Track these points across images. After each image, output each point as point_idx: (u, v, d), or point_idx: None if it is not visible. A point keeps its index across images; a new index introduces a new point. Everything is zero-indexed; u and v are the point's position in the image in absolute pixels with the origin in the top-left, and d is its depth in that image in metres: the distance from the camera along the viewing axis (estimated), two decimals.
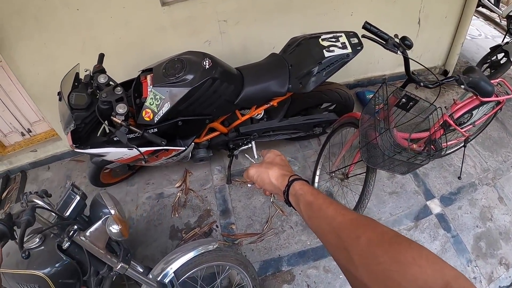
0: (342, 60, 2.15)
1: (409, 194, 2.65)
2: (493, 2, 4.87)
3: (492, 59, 3.62)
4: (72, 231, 1.36)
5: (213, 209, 2.65)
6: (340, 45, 2.17)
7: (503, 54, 3.48)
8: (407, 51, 1.95)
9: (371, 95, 3.19)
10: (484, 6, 4.93)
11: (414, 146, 2.18)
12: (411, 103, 1.92)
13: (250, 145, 2.55)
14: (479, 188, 2.70)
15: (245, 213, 2.60)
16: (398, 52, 1.91)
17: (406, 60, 1.95)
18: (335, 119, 2.53)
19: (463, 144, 2.57)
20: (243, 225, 2.53)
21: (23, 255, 1.09)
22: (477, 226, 2.45)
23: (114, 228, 1.43)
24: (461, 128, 2.37)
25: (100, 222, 1.50)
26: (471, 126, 2.46)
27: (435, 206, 2.58)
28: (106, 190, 2.86)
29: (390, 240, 0.52)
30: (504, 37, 3.93)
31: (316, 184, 2.58)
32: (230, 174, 2.75)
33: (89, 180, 2.66)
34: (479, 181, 2.74)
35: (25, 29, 2.53)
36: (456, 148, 2.71)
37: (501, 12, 4.77)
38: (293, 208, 0.76)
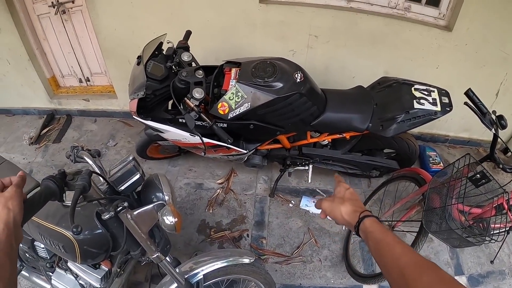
0: (429, 116, 2.07)
1: (440, 264, 2.56)
2: None
3: None
4: (121, 207, 1.29)
5: (249, 217, 2.60)
6: (431, 100, 2.10)
7: None
8: (499, 130, 1.88)
9: (431, 152, 3.15)
10: None
11: (463, 219, 2.10)
12: (484, 180, 1.84)
13: (307, 168, 2.49)
14: (507, 278, 2.59)
15: (279, 231, 2.55)
16: (493, 130, 1.84)
17: (495, 139, 1.88)
18: (396, 168, 2.45)
19: (507, 229, 2.49)
20: (274, 243, 2.48)
21: (74, 229, 0.99)
22: None
23: (169, 220, 1.36)
24: None
25: (151, 206, 1.43)
26: None
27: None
28: (148, 162, 2.84)
29: (449, 284, 0.59)
30: None
31: None
32: (276, 188, 2.70)
33: (135, 149, 2.65)
34: (509, 271, 2.64)
35: None
36: (499, 232, 2.62)
37: None
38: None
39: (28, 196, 0.95)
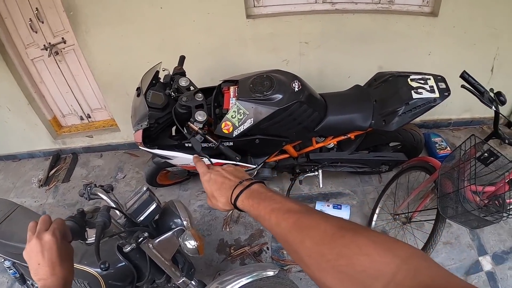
0: (429, 104, 2.09)
1: (462, 247, 2.55)
2: None
3: None
4: (142, 238, 1.31)
5: (266, 230, 2.59)
6: (429, 88, 2.11)
7: None
8: (499, 106, 1.89)
9: (436, 138, 3.16)
10: None
11: (478, 198, 2.10)
12: (492, 158, 1.85)
13: (317, 173, 2.50)
14: None
15: None
16: (493, 107, 1.85)
17: (497, 116, 1.90)
18: (404, 160, 2.47)
19: None
20: None
21: (102, 266, 1.00)
22: None
23: (191, 244, 1.38)
24: None
25: (171, 233, 1.46)
26: None
27: (486, 263, 2.47)
28: (159, 190, 2.86)
29: (333, 236, 0.51)
30: None
31: (373, 223, 2.52)
32: (289, 197, 2.68)
33: (145, 178, 2.66)
34: None
35: (104, 16, 2.57)
36: None
37: None
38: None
39: None
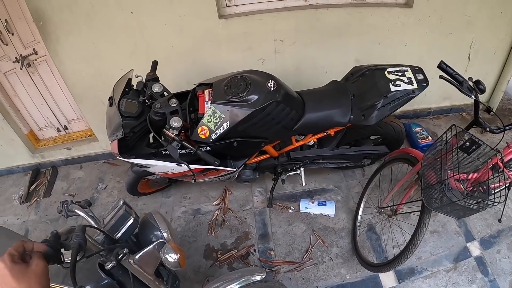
0: (408, 96, 2.08)
1: (450, 234, 2.57)
2: None
3: None
4: (122, 255, 1.27)
5: (252, 232, 2.58)
6: (406, 80, 2.10)
7: None
8: (479, 95, 1.88)
9: (417, 128, 3.17)
10: None
11: (462, 187, 2.11)
12: (474, 146, 1.86)
13: (299, 172, 2.48)
14: None
15: (284, 239, 2.53)
16: (472, 96, 1.84)
17: (477, 104, 1.89)
18: (386, 152, 2.46)
19: (506, 186, 2.50)
20: (282, 252, 2.46)
21: None
22: None
23: (172, 257, 1.36)
24: (509, 171, 2.30)
25: (151, 246, 1.43)
26: None
27: (474, 249, 2.50)
28: (141, 199, 2.82)
29: None
30: None
31: (359, 217, 2.51)
32: (272, 198, 2.69)
33: (126, 188, 2.62)
34: None
35: (75, 25, 2.50)
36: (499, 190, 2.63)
37: None
38: None
39: None
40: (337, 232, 2.57)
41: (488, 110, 3.62)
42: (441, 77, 1.83)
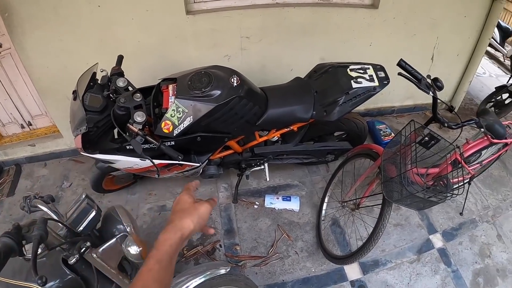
0: (369, 93, 2.13)
1: (413, 227, 2.65)
2: (498, 42, 4.99)
3: (497, 98, 3.69)
4: (84, 248, 1.27)
5: (217, 227, 2.59)
6: (368, 78, 2.16)
7: (507, 94, 3.56)
8: (437, 92, 1.95)
9: (381, 125, 3.25)
10: (489, 45, 5.04)
11: (422, 181, 2.18)
12: (433, 141, 1.92)
13: (263, 167, 2.50)
14: (479, 225, 2.72)
15: (250, 234, 2.55)
16: (430, 93, 1.91)
17: (435, 101, 1.95)
18: (349, 148, 2.51)
19: (467, 181, 2.60)
20: (248, 247, 2.48)
21: (39, 281, 0.96)
22: (476, 262, 2.46)
23: (134, 250, 1.36)
24: (469, 167, 2.40)
25: (114, 240, 1.43)
26: (478, 165, 2.49)
27: (437, 241, 2.58)
28: (107, 196, 2.78)
29: None
30: (510, 78, 3.97)
31: (323, 212, 2.55)
32: (237, 193, 2.70)
33: (90, 185, 2.57)
34: (480, 218, 2.75)
35: (41, 18, 2.44)
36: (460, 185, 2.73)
37: (505, 52, 4.88)
38: None
39: None
40: (302, 226, 2.61)
41: (450, 109, 3.77)
42: (400, 74, 1.88)
